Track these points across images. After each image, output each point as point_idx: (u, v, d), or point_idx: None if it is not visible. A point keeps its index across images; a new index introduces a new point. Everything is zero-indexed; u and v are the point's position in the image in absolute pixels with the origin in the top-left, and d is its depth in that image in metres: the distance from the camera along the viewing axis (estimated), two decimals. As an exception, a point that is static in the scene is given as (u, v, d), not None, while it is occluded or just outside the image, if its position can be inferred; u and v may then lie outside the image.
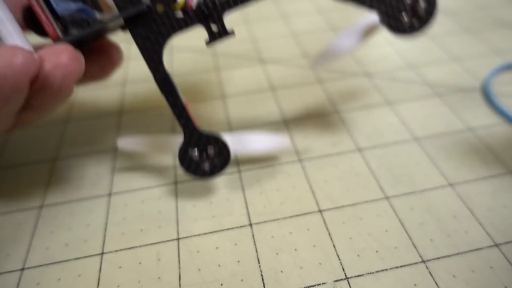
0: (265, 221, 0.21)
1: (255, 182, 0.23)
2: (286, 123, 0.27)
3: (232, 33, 0.20)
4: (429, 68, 0.31)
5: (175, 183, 0.23)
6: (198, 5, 0.19)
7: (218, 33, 0.20)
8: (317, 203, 0.22)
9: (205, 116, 0.28)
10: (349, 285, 0.18)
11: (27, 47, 0.18)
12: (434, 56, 0.33)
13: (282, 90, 0.30)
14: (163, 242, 0.20)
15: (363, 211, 0.21)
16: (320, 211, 0.21)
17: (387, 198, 0.22)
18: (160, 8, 0.19)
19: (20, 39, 0.18)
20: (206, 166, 0.21)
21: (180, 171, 0.24)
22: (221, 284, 0.18)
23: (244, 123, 0.27)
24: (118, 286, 0.19)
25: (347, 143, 0.25)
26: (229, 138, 0.21)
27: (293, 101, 0.29)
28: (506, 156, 0.24)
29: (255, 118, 0.28)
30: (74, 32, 0.19)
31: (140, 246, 0.20)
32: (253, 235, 0.20)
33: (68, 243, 0.21)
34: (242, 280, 0.19)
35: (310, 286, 0.18)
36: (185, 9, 0.19)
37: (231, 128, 0.27)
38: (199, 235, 0.21)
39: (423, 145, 0.25)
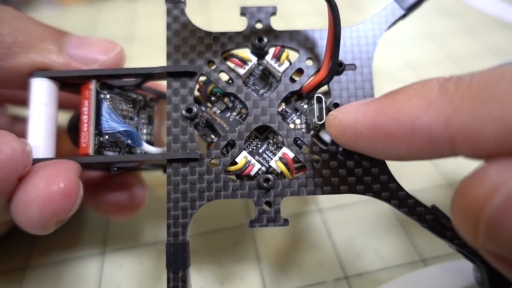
0: (265, 221, 0.21)
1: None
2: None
3: (287, 223, 0.15)
4: (428, 69, 0.31)
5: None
6: (258, 179, 0.15)
7: (270, 218, 0.15)
8: (317, 202, 0.22)
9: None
10: (349, 284, 0.18)
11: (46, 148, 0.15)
12: (434, 56, 0.33)
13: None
14: (164, 241, 0.20)
15: (363, 211, 0.21)
16: (320, 210, 0.21)
17: (386, 197, 0.22)
18: (214, 163, 0.16)
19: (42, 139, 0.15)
20: None
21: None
22: (222, 283, 0.18)
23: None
24: (119, 285, 0.19)
25: (347, 143, 0.25)
26: None
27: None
28: (506, 156, 0.24)
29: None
30: (108, 154, 0.16)
31: (141, 245, 0.20)
32: (253, 235, 0.21)
33: (69, 242, 0.21)
34: (242, 279, 0.19)
35: (310, 285, 0.18)
36: (240, 174, 0.16)
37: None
38: (199, 234, 0.21)
39: (423, 145, 0.25)
